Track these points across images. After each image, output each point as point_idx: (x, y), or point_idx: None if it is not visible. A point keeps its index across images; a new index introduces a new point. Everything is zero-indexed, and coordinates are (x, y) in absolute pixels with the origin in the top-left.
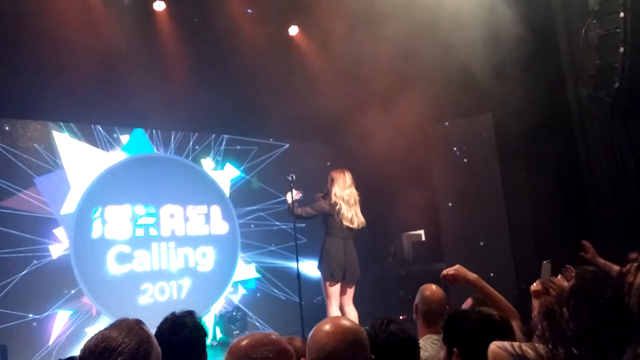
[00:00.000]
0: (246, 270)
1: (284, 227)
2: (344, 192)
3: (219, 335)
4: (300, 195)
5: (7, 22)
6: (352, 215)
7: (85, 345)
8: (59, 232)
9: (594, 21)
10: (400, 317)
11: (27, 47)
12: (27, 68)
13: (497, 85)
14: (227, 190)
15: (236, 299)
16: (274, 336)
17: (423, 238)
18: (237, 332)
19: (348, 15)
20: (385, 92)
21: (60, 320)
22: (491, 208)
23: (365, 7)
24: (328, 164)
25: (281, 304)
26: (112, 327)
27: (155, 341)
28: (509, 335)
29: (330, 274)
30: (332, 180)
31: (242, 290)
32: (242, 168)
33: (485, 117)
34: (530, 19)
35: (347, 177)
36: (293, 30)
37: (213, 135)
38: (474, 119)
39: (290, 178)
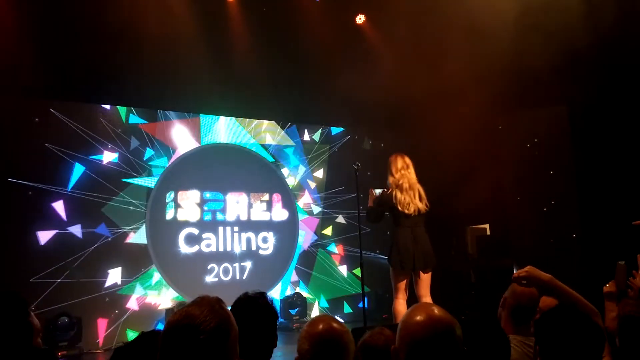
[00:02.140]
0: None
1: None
2: (396, 176)
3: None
4: (379, 191)
5: (77, 13)
6: (408, 200)
7: (168, 320)
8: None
9: None
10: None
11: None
12: (109, 57)
13: (575, 76)
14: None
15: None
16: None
17: (488, 232)
18: (297, 317)
19: (415, 4)
20: (454, 81)
21: (132, 297)
22: (563, 204)
23: None
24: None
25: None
26: (195, 304)
27: (234, 321)
28: (599, 336)
29: (400, 265)
30: (388, 167)
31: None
32: (309, 156)
33: (561, 109)
34: (611, 4)
35: (400, 160)
36: (360, 19)
37: (289, 124)
38: (548, 110)
39: (355, 166)
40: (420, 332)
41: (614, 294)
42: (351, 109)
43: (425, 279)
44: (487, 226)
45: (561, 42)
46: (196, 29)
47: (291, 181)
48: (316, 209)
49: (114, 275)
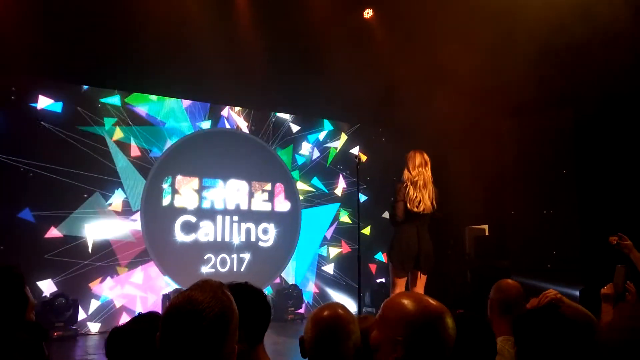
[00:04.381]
0: None
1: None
2: (412, 173)
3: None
4: None
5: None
6: (419, 198)
7: (170, 303)
8: None
9: None
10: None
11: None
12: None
13: (580, 76)
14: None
15: None
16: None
17: (487, 233)
18: (292, 309)
19: (423, 2)
20: (459, 80)
21: (134, 279)
22: (564, 208)
23: None
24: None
25: (340, 288)
26: (197, 288)
27: (235, 306)
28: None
29: (400, 264)
30: (406, 162)
31: None
32: (310, 148)
33: (566, 111)
34: (619, 5)
35: (418, 157)
36: (367, 14)
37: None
38: (552, 112)
39: (356, 160)
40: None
41: (612, 297)
42: (352, 104)
43: (424, 279)
44: (486, 227)
45: (568, 44)
46: (202, 17)
47: (337, 144)
48: (362, 197)
49: (45, 289)
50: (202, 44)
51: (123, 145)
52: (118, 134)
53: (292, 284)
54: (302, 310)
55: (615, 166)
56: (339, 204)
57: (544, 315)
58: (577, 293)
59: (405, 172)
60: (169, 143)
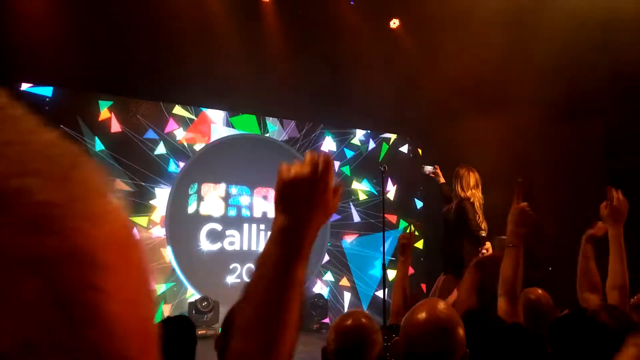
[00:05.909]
0: None
1: (371, 220)
2: (468, 193)
3: None
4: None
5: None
6: (483, 221)
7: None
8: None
9: None
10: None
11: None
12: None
13: (611, 86)
14: None
15: None
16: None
17: None
18: (318, 318)
19: (451, 9)
20: (488, 91)
21: None
22: (595, 218)
23: (470, 2)
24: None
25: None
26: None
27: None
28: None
29: None
30: (455, 177)
31: None
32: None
33: (595, 120)
34: None
35: (472, 178)
36: (394, 24)
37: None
38: (581, 122)
39: (382, 169)
40: (417, 332)
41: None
42: (384, 113)
43: None
44: None
45: (599, 55)
46: (231, 29)
47: (389, 136)
48: (419, 203)
49: None
50: (228, 54)
51: (103, 124)
52: (105, 113)
53: (318, 293)
54: (327, 320)
55: None
56: (399, 230)
57: (578, 321)
58: None
59: (459, 190)
60: (171, 122)
